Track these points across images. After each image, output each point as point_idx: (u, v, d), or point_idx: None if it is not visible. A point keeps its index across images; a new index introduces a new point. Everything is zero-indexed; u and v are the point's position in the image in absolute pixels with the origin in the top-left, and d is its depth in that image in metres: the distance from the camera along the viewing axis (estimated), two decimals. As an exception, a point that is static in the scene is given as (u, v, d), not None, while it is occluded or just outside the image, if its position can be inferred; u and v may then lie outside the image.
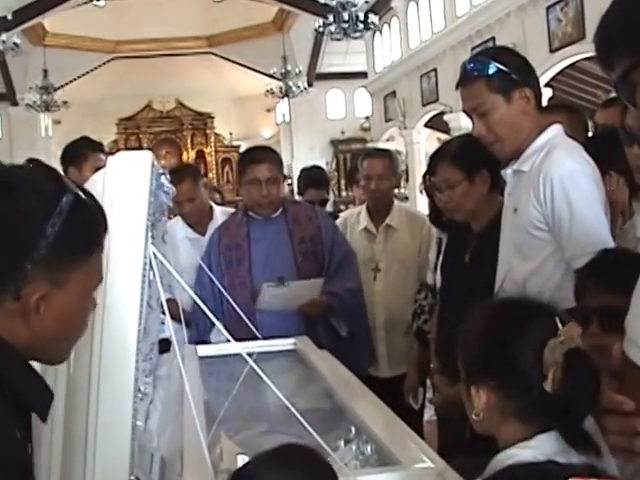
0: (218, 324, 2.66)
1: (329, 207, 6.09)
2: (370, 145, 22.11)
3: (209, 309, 3.17)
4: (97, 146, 4.69)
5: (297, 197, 5.63)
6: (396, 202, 5.25)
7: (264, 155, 4.44)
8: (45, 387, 1.47)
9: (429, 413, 4.96)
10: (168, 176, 2.34)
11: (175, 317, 3.66)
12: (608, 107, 4.03)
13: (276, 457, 1.70)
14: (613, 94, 2.11)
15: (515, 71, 3.00)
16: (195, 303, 2.75)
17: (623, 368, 1.57)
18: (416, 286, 4.99)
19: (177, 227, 5.14)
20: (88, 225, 1.51)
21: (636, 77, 1.50)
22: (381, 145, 22.13)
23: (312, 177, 6.04)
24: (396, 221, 5.05)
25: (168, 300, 2.34)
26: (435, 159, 3.83)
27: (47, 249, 1.39)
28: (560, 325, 1.76)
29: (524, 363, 1.77)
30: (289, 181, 11.82)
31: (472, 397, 1.87)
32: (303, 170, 6.34)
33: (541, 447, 1.76)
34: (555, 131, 3.04)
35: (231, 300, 3.93)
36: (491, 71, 2.98)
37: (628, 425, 1.55)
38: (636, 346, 1.53)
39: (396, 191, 5.60)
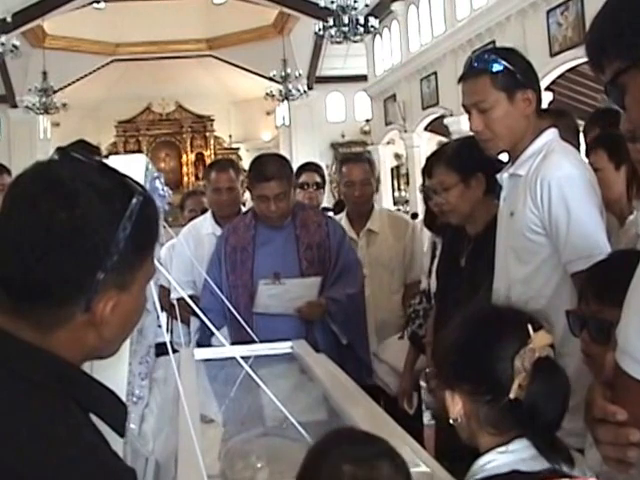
0: (213, 329, 2.65)
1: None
2: (370, 148, 22.15)
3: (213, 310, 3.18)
4: (93, 149, 4.67)
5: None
6: (377, 206, 5.24)
7: (273, 171, 4.26)
8: (118, 401, 1.39)
9: (427, 417, 4.96)
10: (163, 179, 2.33)
11: (165, 306, 3.66)
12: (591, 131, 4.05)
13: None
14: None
15: (520, 72, 3.00)
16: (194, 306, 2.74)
17: (615, 377, 1.57)
18: (402, 289, 5.01)
19: (205, 223, 5.15)
20: (153, 223, 1.42)
21: (626, 80, 1.49)
22: (381, 148, 22.21)
23: (305, 163, 6.04)
24: (377, 225, 5.04)
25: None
26: (431, 161, 3.85)
27: (118, 255, 1.29)
28: (532, 332, 1.77)
29: (495, 370, 1.79)
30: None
31: (448, 402, 1.89)
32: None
33: (518, 452, 1.78)
34: (552, 135, 3.04)
35: (228, 303, 3.95)
36: (498, 68, 2.97)
37: (621, 435, 1.54)
38: (627, 355, 1.52)
39: (397, 194, 5.63)
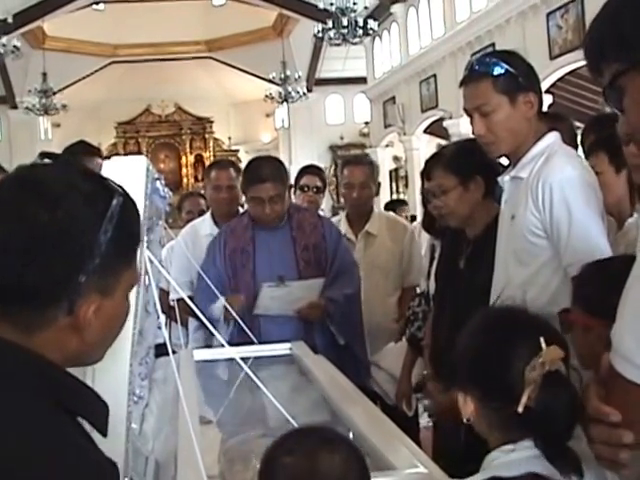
0: (213, 330, 2.66)
1: (328, 212, 6.07)
2: (369, 151, 22.13)
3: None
4: (94, 150, 4.68)
5: (293, 197, 5.57)
6: (376, 209, 5.26)
7: (268, 173, 4.26)
8: (99, 400, 1.39)
9: (425, 419, 4.97)
10: (164, 181, 2.34)
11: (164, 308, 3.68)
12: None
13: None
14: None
15: (522, 75, 2.99)
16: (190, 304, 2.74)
17: (610, 378, 1.58)
18: (397, 292, 5.01)
19: (203, 224, 5.16)
20: (134, 224, 1.42)
21: (624, 83, 1.50)
22: (380, 151, 22.18)
23: (307, 166, 6.06)
24: (376, 228, 5.07)
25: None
26: (430, 164, 3.86)
27: (100, 258, 1.29)
28: (544, 345, 1.78)
29: (506, 379, 1.80)
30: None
31: (460, 402, 1.90)
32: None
33: (527, 449, 1.79)
34: (553, 138, 3.04)
35: (228, 305, 3.95)
36: (499, 71, 2.96)
37: (614, 436, 1.55)
38: (621, 357, 1.53)
39: (395, 197, 5.63)
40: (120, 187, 1.38)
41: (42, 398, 1.26)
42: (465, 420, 1.91)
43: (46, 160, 1.39)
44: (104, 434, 1.36)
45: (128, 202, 1.39)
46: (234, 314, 3.82)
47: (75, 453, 1.24)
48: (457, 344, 1.99)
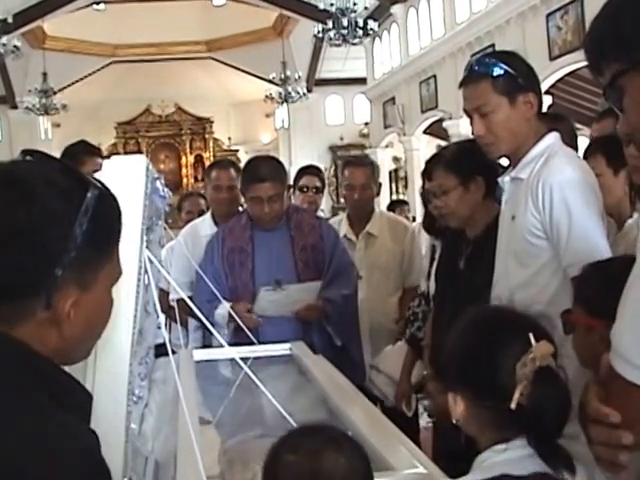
0: (213, 330, 2.65)
1: (327, 213, 6.07)
2: (368, 151, 22.11)
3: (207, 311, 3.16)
4: (95, 150, 4.67)
5: (292, 198, 5.58)
6: (377, 209, 5.26)
7: (267, 173, 4.27)
8: (83, 391, 1.40)
9: (425, 420, 4.97)
10: (163, 181, 2.34)
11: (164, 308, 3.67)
12: (602, 120, 4.05)
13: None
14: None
15: (521, 75, 3.00)
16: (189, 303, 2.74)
17: (609, 379, 1.57)
18: (398, 293, 5.01)
19: (203, 224, 5.15)
20: (112, 219, 1.42)
21: (624, 83, 1.50)
22: (380, 151, 22.16)
23: (306, 166, 6.07)
24: (377, 228, 5.07)
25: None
26: (431, 165, 3.86)
27: (76, 251, 1.29)
28: (534, 341, 1.78)
29: (497, 377, 1.80)
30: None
31: (450, 403, 1.90)
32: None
33: (517, 449, 1.79)
34: (553, 139, 3.04)
35: (227, 304, 3.94)
36: (498, 72, 2.97)
37: (613, 437, 1.55)
38: (620, 357, 1.53)
39: (395, 198, 5.63)
40: (98, 182, 1.39)
41: (26, 384, 1.27)
42: (454, 421, 1.92)
43: (28, 158, 1.40)
44: (87, 423, 1.37)
45: (106, 196, 1.39)
46: (240, 322, 3.82)
47: (52, 435, 1.23)
48: (445, 345, 2.00)
